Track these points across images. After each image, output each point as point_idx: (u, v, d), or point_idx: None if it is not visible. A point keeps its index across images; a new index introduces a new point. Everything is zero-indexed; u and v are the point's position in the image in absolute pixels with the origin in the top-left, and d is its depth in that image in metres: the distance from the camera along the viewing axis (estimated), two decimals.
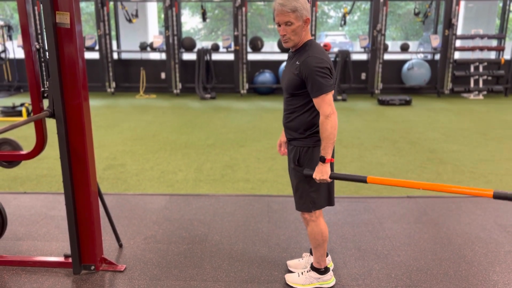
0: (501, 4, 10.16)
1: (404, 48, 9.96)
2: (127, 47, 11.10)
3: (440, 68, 9.53)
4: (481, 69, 9.58)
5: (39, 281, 2.49)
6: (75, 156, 2.43)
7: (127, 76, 10.26)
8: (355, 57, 10.47)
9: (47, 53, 2.29)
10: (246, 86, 9.66)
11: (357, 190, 3.97)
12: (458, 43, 9.74)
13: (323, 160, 2.10)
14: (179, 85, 9.68)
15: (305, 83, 2.10)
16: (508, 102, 8.99)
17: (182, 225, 3.22)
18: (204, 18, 10.26)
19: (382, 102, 8.63)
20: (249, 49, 9.70)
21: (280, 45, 9.76)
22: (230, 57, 9.81)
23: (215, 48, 9.91)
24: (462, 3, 10.88)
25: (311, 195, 2.25)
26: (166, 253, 2.81)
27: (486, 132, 6.28)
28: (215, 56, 10.04)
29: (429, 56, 10.55)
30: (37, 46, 9.33)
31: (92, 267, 2.58)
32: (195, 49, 9.70)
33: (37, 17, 9.28)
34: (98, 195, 2.63)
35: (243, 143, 5.66)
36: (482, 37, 9.55)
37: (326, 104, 2.07)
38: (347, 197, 3.76)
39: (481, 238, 3.01)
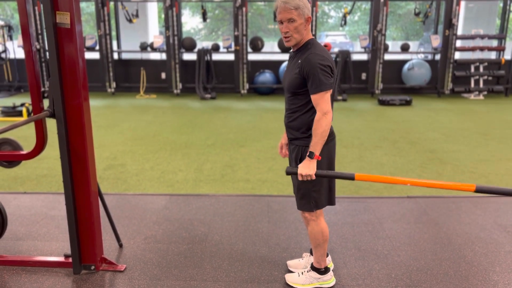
0: (501, 4, 10.16)
1: (405, 48, 9.96)
2: (128, 47, 11.11)
3: (440, 68, 9.53)
4: (481, 69, 9.58)
5: (39, 281, 2.49)
6: (75, 156, 2.43)
7: (127, 76, 10.26)
8: (355, 57, 10.47)
9: (47, 53, 2.29)
10: (247, 86, 9.66)
11: (357, 190, 3.97)
12: (458, 43, 9.74)
13: (311, 155, 2.07)
14: (179, 85, 9.68)
15: (306, 81, 2.10)
16: (508, 102, 8.99)
17: (182, 225, 3.22)
18: (204, 18, 10.26)
19: (382, 102, 8.63)
20: (249, 49, 9.70)
21: (280, 45, 9.76)
22: (231, 57, 9.81)
23: (216, 48, 9.91)
24: (462, 3, 10.87)
25: (313, 194, 2.25)
26: (166, 253, 2.81)
27: (487, 132, 6.28)
28: (216, 56, 10.04)
29: (430, 56, 10.55)
30: (37, 46, 9.33)
31: (92, 267, 2.58)
32: (196, 49, 9.70)
33: (37, 17, 9.29)
34: (98, 195, 2.63)
35: (243, 143, 5.66)
36: (482, 37, 9.55)
37: (324, 101, 2.07)
38: (347, 197, 3.76)
39: (481, 238, 3.01)
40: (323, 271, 2.42)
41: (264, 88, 9.83)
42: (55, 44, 2.26)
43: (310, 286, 2.42)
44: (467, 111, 7.99)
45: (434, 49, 9.74)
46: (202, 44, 14.87)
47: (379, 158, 4.99)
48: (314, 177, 2.09)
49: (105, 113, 7.73)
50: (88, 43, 9.64)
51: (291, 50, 2.28)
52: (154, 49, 9.84)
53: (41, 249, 2.86)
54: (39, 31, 9.42)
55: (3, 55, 9.56)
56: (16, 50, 9.94)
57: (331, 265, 2.57)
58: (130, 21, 9.96)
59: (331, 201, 2.35)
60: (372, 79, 9.57)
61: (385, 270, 2.62)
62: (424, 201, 3.66)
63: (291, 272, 2.57)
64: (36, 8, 9.19)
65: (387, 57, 9.97)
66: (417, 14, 10.01)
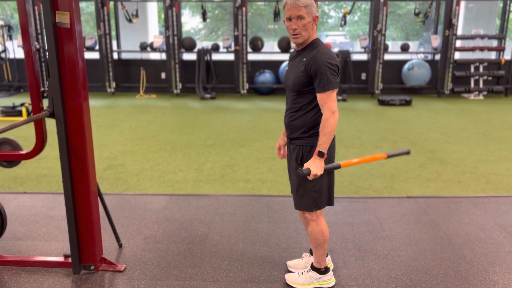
0: (501, 4, 10.16)
1: (404, 48, 9.96)
2: (127, 47, 11.10)
3: (440, 68, 9.53)
4: (481, 69, 9.58)
5: (39, 281, 2.49)
6: (75, 156, 2.43)
7: (127, 76, 10.26)
8: (355, 57, 10.47)
9: (47, 53, 2.29)
10: (246, 86, 9.66)
11: (357, 190, 3.97)
12: (458, 43, 9.74)
13: (321, 154, 2.08)
14: (179, 85, 9.68)
15: (313, 79, 2.10)
16: (508, 102, 8.99)
17: (182, 225, 3.22)
18: (204, 18, 10.26)
19: (382, 102, 8.63)
20: (249, 49, 9.70)
21: (280, 45, 9.76)
22: (230, 57, 9.81)
23: (215, 48, 9.91)
24: (462, 3, 10.87)
25: (313, 194, 2.24)
26: (166, 253, 2.81)
27: (487, 132, 6.28)
28: (215, 56, 10.04)
29: (429, 56, 10.55)
30: (37, 46, 9.30)
31: (92, 267, 2.58)
32: (195, 49, 9.70)
33: (37, 17, 9.29)
34: (98, 195, 2.63)
35: (243, 143, 5.66)
36: (482, 37, 9.55)
37: (331, 100, 2.07)
38: (347, 197, 3.76)
39: (481, 239, 3.01)
40: (323, 271, 2.41)
41: (264, 88, 9.83)
42: (54, 44, 2.25)
43: (310, 286, 2.41)
44: (467, 111, 7.99)
45: (434, 49, 9.74)
46: (202, 44, 14.87)
47: None
48: (321, 175, 2.13)
49: (105, 113, 7.72)
50: (88, 43, 9.64)
51: (294, 50, 2.28)
52: (154, 49, 9.83)
53: (41, 249, 2.86)
54: (39, 31, 9.41)
55: (2, 55, 9.56)
56: (15, 50, 9.93)
57: (331, 265, 2.57)
58: (130, 21, 9.96)
59: (330, 201, 2.35)
60: (372, 79, 9.57)
61: (385, 270, 2.62)
62: (424, 201, 3.66)
63: (291, 272, 2.57)
64: (36, 8, 9.18)
65: (387, 57, 9.97)
66: (417, 14, 10.01)
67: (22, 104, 7.32)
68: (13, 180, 4.24)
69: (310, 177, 2.10)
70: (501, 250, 2.85)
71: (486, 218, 3.33)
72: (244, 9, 9.19)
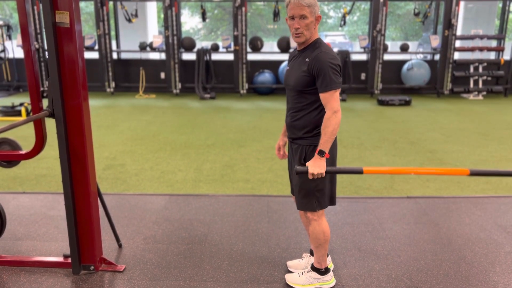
0: (500, 5, 10.17)
1: (404, 49, 9.96)
2: (127, 47, 11.10)
3: (439, 68, 9.53)
4: (480, 70, 9.59)
5: (38, 281, 2.48)
6: (75, 156, 2.42)
7: (126, 76, 10.25)
8: (354, 57, 10.47)
9: (46, 52, 2.28)
10: (246, 86, 9.66)
11: (356, 190, 3.97)
12: (457, 43, 9.73)
13: (322, 154, 2.07)
14: (179, 85, 9.67)
15: (315, 79, 2.10)
16: (507, 103, 8.99)
17: (181, 225, 3.21)
18: (203, 18, 10.25)
19: (381, 102, 8.63)
20: (248, 49, 9.69)
21: (280, 45, 9.75)
22: (230, 57, 9.80)
23: (215, 48, 9.90)
24: (461, 4, 10.87)
25: (316, 194, 2.24)
26: (165, 253, 2.81)
27: (486, 132, 6.28)
28: (215, 56, 10.03)
29: (429, 57, 10.55)
30: (36, 46, 9.30)
31: (92, 267, 2.57)
32: (195, 49, 9.69)
33: (36, 17, 9.27)
34: (98, 195, 2.62)
35: (242, 143, 5.65)
36: (481, 37, 9.55)
37: (334, 100, 2.07)
38: (347, 197, 3.76)
39: (481, 239, 3.01)
40: (324, 271, 2.41)
41: (263, 88, 9.83)
42: (54, 43, 2.25)
43: (311, 287, 2.41)
44: (467, 111, 8.00)
45: (434, 49, 9.75)
46: (202, 44, 14.87)
47: (379, 159, 4.99)
48: (324, 175, 2.09)
49: (104, 113, 7.72)
50: (87, 42, 9.63)
51: (295, 49, 2.27)
52: (153, 49, 9.83)
53: (40, 249, 2.85)
54: (38, 31, 9.40)
55: (2, 55, 9.54)
56: (15, 49, 9.92)
57: (331, 266, 2.57)
58: (129, 20, 9.95)
59: (332, 201, 2.35)
60: (372, 79, 9.57)
61: (385, 270, 2.61)
62: (424, 202, 3.66)
63: (291, 272, 2.57)
64: (35, 7, 9.17)
65: (387, 57, 9.97)
66: (416, 14, 10.01)
67: (21, 104, 7.31)
68: (13, 180, 4.23)
69: (310, 176, 2.08)
70: (501, 251, 2.85)
71: (486, 219, 3.33)
72: (243, 9, 9.18)
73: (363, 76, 9.97)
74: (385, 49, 9.60)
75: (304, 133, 2.21)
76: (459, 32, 12.02)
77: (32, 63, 2.34)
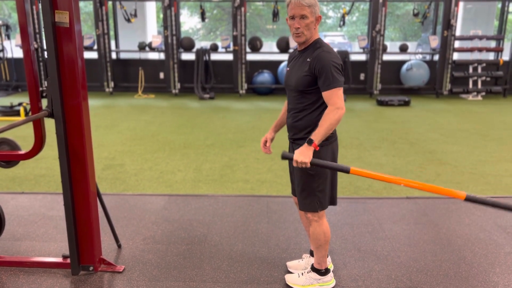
0: (499, 5, 10.18)
1: (403, 49, 9.97)
2: (126, 46, 11.08)
3: (439, 69, 9.54)
4: (479, 70, 9.60)
5: (37, 282, 2.47)
6: (74, 156, 2.41)
7: (125, 76, 10.23)
8: (354, 57, 10.47)
9: (45, 52, 2.28)
10: (245, 86, 9.65)
11: (356, 191, 3.97)
12: (456, 44, 9.74)
13: (310, 142, 2.03)
14: (178, 85, 9.66)
15: (317, 79, 2.09)
16: (506, 103, 9.00)
17: (181, 225, 3.21)
18: (203, 18, 10.25)
19: (381, 103, 8.63)
20: (248, 49, 9.69)
21: (279, 45, 9.75)
22: (229, 57, 9.80)
23: (214, 48, 9.89)
24: (461, 4, 10.89)
25: (318, 195, 2.23)
26: (165, 253, 2.80)
27: (485, 133, 6.29)
28: (214, 56, 10.02)
29: (428, 57, 10.56)
30: (36, 46, 9.27)
31: (91, 268, 2.56)
32: (194, 49, 9.69)
33: (35, 16, 9.25)
34: (97, 195, 2.61)
35: (242, 143, 5.65)
36: (480, 38, 9.56)
37: (337, 97, 2.06)
38: (347, 197, 3.76)
39: (481, 239, 3.01)
40: (324, 272, 2.41)
41: (262, 88, 9.82)
42: (54, 43, 2.24)
43: (310, 287, 2.41)
44: (466, 112, 8.00)
45: (433, 49, 9.75)
46: (201, 44, 14.86)
47: (378, 159, 4.99)
48: (308, 165, 2.03)
49: (103, 113, 7.70)
50: (86, 42, 9.61)
51: (295, 49, 2.27)
52: (152, 49, 9.81)
53: (39, 250, 2.84)
54: (38, 30, 9.38)
55: (0, 55, 9.52)
56: (13, 49, 9.90)
57: (331, 266, 2.56)
58: (128, 20, 9.94)
59: (333, 201, 2.34)
60: (371, 80, 9.57)
61: (385, 271, 2.61)
62: (424, 202, 3.66)
63: (291, 273, 2.56)
64: (34, 7, 9.15)
65: (386, 57, 9.96)
66: (415, 15, 10.02)
67: (20, 104, 7.29)
68: (12, 180, 4.22)
69: (294, 164, 2.04)
70: (501, 251, 2.85)
71: (486, 219, 3.33)
72: (243, 9, 9.18)
73: (362, 76, 9.97)
74: (384, 49, 9.60)
75: (305, 134, 2.20)
76: (458, 32, 11.99)
77: (32, 63, 2.33)
